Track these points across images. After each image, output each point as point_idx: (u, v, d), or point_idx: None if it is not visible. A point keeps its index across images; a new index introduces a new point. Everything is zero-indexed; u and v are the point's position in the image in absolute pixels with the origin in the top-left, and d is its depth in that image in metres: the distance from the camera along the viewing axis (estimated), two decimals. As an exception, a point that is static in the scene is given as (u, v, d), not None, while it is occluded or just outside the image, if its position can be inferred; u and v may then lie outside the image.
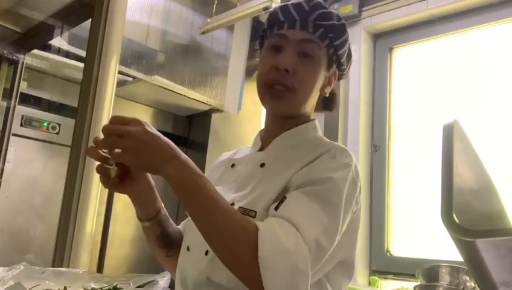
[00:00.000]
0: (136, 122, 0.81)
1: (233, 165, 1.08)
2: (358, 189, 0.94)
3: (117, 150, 0.81)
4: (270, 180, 0.94)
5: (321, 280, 0.93)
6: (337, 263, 0.95)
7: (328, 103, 1.12)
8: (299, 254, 0.78)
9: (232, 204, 0.93)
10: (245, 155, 1.09)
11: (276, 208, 0.86)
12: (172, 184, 0.82)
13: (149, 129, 0.81)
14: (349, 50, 1.08)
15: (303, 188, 0.88)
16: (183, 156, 0.84)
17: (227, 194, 0.97)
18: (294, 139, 1.02)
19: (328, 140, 1.03)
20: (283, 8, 1.02)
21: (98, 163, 0.88)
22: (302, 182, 0.89)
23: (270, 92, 0.99)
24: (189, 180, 0.81)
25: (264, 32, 1.07)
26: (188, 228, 1.05)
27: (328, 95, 1.06)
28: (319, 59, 1.00)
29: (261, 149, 1.07)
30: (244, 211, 0.90)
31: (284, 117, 1.03)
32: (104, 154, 0.87)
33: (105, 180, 0.88)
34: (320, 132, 1.07)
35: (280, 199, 0.88)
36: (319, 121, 1.09)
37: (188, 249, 0.99)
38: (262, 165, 0.99)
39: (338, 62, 1.05)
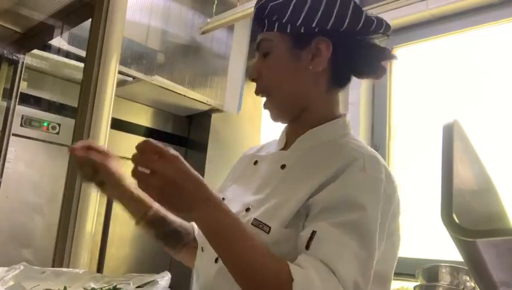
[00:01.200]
0: (170, 158, 0.75)
1: (256, 162, 1.01)
2: (395, 201, 0.88)
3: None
4: (289, 189, 0.86)
5: None
6: (384, 281, 0.90)
7: (356, 68, 0.97)
8: None
9: (248, 209, 0.89)
10: (269, 152, 1.02)
11: (307, 247, 0.78)
12: (199, 226, 0.79)
13: (181, 167, 0.76)
14: (333, 4, 0.91)
15: (333, 219, 0.79)
16: (215, 199, 0.78)
17: (245, 195, 0.94)
18: (319, 139, 0.94)
19: (357, 143, 0.94)
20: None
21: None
22: (329, 206, 0.80)
23: (263, 105, 0.99)
24: (218, 225, 0.76)
25: None
26: None
27: (320, 69, 0.92)
28: (275, 49, 0.93)
29: (285, 147, 0.99)
30: (259, 225, 0.84)
31: (294, 118, 0.97)
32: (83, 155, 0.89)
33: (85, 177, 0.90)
34: (350, 130, 0.99)
35: (295, 216, 0.82)
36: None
37: (202, 249, 0.95)
38: (283, 166, 0.93)
39: (311, 29, 0.91)
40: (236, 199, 0.95)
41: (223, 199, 0.96)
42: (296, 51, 0.92)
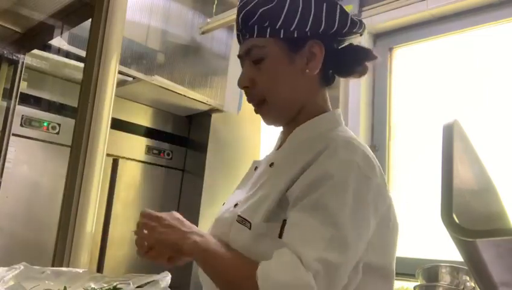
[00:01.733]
0: (153, 218, 0.92)
1: (256, 168, 1.03)
2: (376, 181, 0.85)
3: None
4: (272, 184, 0.89)
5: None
6: (366, 266, 0.84)
7: (340, 69, 1.00)
8: (301, 285, 0.72)
9: (236, 205, 0.92)
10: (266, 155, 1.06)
11: (279, 236, 0.81)
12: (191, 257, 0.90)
13: (165, 223, 0.89)
14: (320, 8, 0.93)
15: (299, 204, 0.81)
16: (195, 236, 0.86)
17: (240, 195, 0.97)
18: (306, 134, 0.95)
19: (341, 133, 0.95)
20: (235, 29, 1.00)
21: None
22: (298, 194, 0.82)
23: (255, 110, 1.00)
24: (199, 254, 0.85)
25: None
26: None
27: (317, 71, 0.94)
28: (271, 55, 0.93)
29: (280, 147, 1.02)
30: (242, 221, 0.87)
31: (290, 120, 0.99)
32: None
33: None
34: (341, 123, 1.00)
35: (277, 210, 0.84)
36: None
37: None
38: (271, 165, 0.95)
39: (304, 34, 0.93)
40: (232, 199, 0.98)
41: (224, 203, 1.02)
42: (291, 55, 0.93)
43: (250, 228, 0.85)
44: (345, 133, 0.94)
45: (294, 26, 0.92)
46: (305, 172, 0.84)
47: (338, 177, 0.81)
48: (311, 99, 0.97)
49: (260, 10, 0.92)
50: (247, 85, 0.96)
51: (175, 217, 0.90)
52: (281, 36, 0.92)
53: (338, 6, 0.94)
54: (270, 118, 0.99)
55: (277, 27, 0.92)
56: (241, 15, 0.95)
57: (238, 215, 0.88)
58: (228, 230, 0.89)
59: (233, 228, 0.88)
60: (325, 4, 0.93)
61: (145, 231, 0.92)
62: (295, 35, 0.92)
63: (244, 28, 0.95)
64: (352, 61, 0.99)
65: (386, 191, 0.88)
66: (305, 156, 0.86)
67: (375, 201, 0.84)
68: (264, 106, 0.96)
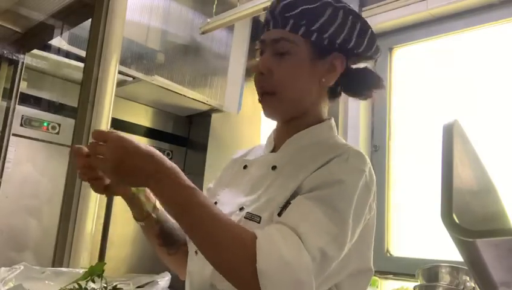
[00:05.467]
0: (112, 139, 0.79)
1: (245, 167, 1.03)
2: (372, 195, 0.90)
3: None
4: (281, 185, 0.90)
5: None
6: (350, 274, 0.90)
7: (350, 88, 1.03)
8: (302, 266, 0.74)
9: (241, 209, 0.91)
10: (258, 156, 1.05)
11: (279, 214, 0.83)
12: (159, 199, 0.82)
13: (125, 145, 0.78)
14: (354, 26, 0.96)
15: (308, 194, 0.83)
16: (167, 169, 0.80)
17: (237, 197, 0.96)
18: (308, 140, 0.97)
19: (343, 142, 0.99)
20: (267, 11, 1.00)
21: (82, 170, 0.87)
22: (310, 187, 0.85)
23: (259, 98, 0.99)
24: (175, 195, 0.79)
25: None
26: None
27: (332, 83, 0.97)
28: (296, 53, 0.94)
29: (274, 150, 1.02)
30: (251, 217, 0.87)
31: (290, 119, 1.00)
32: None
33: (94, 185, 0.89)
34: (336, 133, 1.02)
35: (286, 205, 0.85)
36: None
37: (196, 253, 0.96)
38: (273, 167, 0.95)
39: (333, 45, 0.95)
40: (229, 201, 0.96)
41: (216, 202, 0.98)
42: (315, 60, 0.95)
43: (259, 222, 0.85)
44: (348, 144, 0.97)
45: (327, 34, 0.94)
46: (317, 170, 0.87)
47: (349, 182, 0.85)
48: (316, 107, 1.00)
49: (302, 7, 0.93)
50: (264, 72, 0.95)
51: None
52: (313, 39, 0.94)
53: (370, 30, 0.99)
54: (272, 111, 0.99)
55: (312, 29, 0.93)
56: (282, 3, 0.95)
57: (247, 212, 0.88)
58: None
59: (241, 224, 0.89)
60: (359, 24, 0.97)
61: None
62: (325, 43, 0.94)
63: (280, 17, 0.95)
64: (363, 84, 1.03)
65: (373, 204, 0.93)
66: (316, 161, 0.89)
67: (366, 212, 0.89)
68: (271, 98, 0.96)
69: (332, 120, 1.03)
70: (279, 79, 0.94)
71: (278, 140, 1.02)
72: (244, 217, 0.88)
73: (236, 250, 0.75)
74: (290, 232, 0.77)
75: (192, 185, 0.80)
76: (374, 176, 0.92)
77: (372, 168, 0.92)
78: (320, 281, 0.80)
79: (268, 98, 0.96)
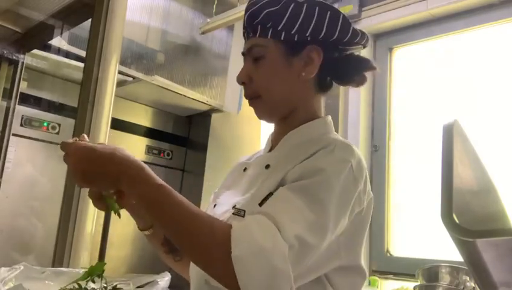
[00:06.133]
0: (71, 151, 0.84)
1: (245, 169, 1.05)
2: (361, 187, 0.88)
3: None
4: (269, 181, 0.91)
5: (321, 280, 0.89)
6: (339, 268, 0.89)
7: (338, 76, 1.03)
8: (277, 252, 0.73)
9: (234, 207, 0.92)
10: (257, 157, 1.07)
11: (260, 205, 0.84)
12: (133, 199, 0.84)
13: (84, 153, 0.82)
14: (323, 16, 0.96)
15: (290, 184, 0.84)
16: (129, 168, 0.80)
17: (234, 197, 0.97)
18: (301, 138, 0.98)
19: (336, 137, 0.97)
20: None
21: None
22: (293, 178, 0.85)
23: (249, 104, 1.02)
24: (142, 192, 0.80)
25: None
26: None
27: (312, 75, 0.97)
28: (269, 55, 0.96)
29: (271, 150, 1.04)
30: (237, 212, 0.89)
31: (282, 118, 1.01)
32: None
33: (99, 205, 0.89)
34: (333, 130, 1.02)
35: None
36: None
37: None
38: (267, 166, 0.97)
39: (304, 38, 0.96)
40: (226, 202, 0.98)
41: (215, 205, 1.01)
42: (289, 57, 0.97)
43: (243, 216, 0.87)
44: (341, 140, 0.96)
45: (295, 29, 0.95)
46: (301, 163, 0.88)
47: (331, 172, 0.84)
48: (305, 103, 1.01)
49: (265, 11, 0.96)
50: (245, 81, 0.99)
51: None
52: (282, 38, 0.95)
53: (341, 16, 0.97)
54: (262, 113, 1.02)
55: (278, 29, 0.95)
56: (247, 13, 0.99)
57: (234, 208, 0.90)
58: None
59: (229, 221, 0.90)
60: (329, 12, 0.96)
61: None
62: (295, 39, 0.96)
63: (249, 27, 0.99)
64: (351, 70, 1.02)
65: (364, 197, 0.91)
66: (301, 156, 0.90)
67: (354, 203, 0.87)
68: (258, 102, 0.99)
69: (329, 117, 1.04)
70: (259, 83, 0.98)
71: (275, 140, 1.04)
72: (232, 213, 0.90)
73: (208, 238, 0.75)
74: (266, 221, 0.76)
75: (159, 181, 0.81)
76: (365, 170, 0.90)
77: (362, 162, 0.90)
78: (302, 270, 0.79)
79: (256, 102, 1.00)
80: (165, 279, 1.20)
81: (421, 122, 2.69)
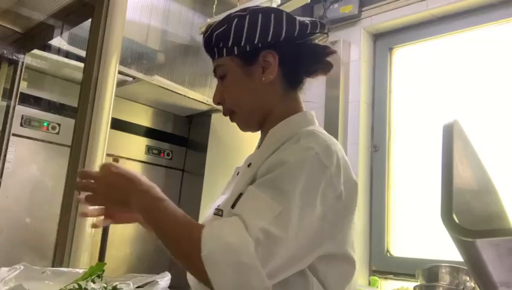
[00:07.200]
0: (103, 168, 0.97)
1: (238, 173, 1.10)
2: (332, 171, 0.87)
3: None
4: (245, 178, 0.97)
5: (305, 272, 0.88)
6: (324, 256, 0.89)
7: (302, 69, 1.07)
8: (242, 248, 0.76)
9: (218, 206, 0.99)
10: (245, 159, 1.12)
11: (232, 206, 0.89)
12: (137, 212, 0.92)
13: (114, 170, 0.96)
14: (267, 20, 1.01)
15: (256, 181, 0.88)
16: (144, 187, 0.92)
17: (223, 198, 1.03)
18: (280, 133, 1.01)
19: (312, 129, 0.98)
20: None
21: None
22: (261, 174, 0.90)
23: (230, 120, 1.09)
24: (147, 205, 0.90)
25: None
26: None
27: (273, 76, 1.01)
28: (229, 72, 1.03)
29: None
30: (217, 212, 0.96)
31: (260, 123, 1.07)
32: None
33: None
34: (314, 123, 1.04)
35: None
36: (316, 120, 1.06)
37: None
38: (249, 165, 1.03)
39: (255, 46, 1.01)
40: (215, 204, 1.05)
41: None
42: (247, 68, 1.02)
43: (221, 215, 0.94)
44: (313, 129, 0.98)
45: (243, 41, 1.01)
46: (266, 160, 0.93)
47: (294, 161, 0.87)
48: (279, 104, 1.05)
49: (215, 34, 1.03)
50: (219, 101, 1.07)
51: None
52: (235, 53, 1.02)
53: (284, 14, 1.03)
54: (241, 126, 1.09)
55: (229, 45, 1.02)
56: (203, 42, 1.07)
57: (215, 208, 0.97)
58: None
59: (210, 221, 0.96)
60: (272, 14, 1.02)
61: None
62: (247, 49, 1.01)
63: (208, 52, 1.08)
64: (310, 60, 1.06)
65: (338, 181, 0.89)
66: (272, 149, 0.95)
67: (325, 189, 0.87)
68: (234, 117, 1.07)
69: (310, 112, 1.07)
70: (229, 100, 1.05)
71: (261, 140, 1.11)
72: (214, 214, 0.97)
73: (185, 240, 0.81)
74: (234, 219, 0.81)
75: (162, 196, 0.90)
76: (336, 155, 0.90)
77: (332, 147, 0.91)
78: (278, 263, 0.79)
79: (233, 117, 1.08)
80: (165, 279, 1.20)
81: (421, 122, 2.69)
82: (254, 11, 1.02)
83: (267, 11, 1.02)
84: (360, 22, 2.93)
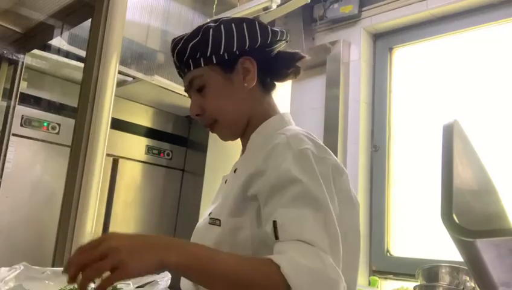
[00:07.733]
0: (108, 236, 0.73)
1: (226, 181, 1.11)
2: (332, 159, 0.94)
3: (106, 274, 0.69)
4: (233, 184, 0.98)
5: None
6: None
7: (273, 74, 1.09)
8: (327, 266, 0.77)
9: (210, 214, 0.99)
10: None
11: (276, 237, 0.82)
12: (181, 271, 0.75)
13: (120, 234, 0.74)
14: (240, 28, 1.03)
15: (281, 200, 0.85)
16: (177, 239, 0.78)
17: (213, 207, 1.04)
18: (261, 137, 1.04)
19: (286, 129, 1.00)
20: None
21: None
22: (273, 189, 0.87)
23: (210, 131, 1.09)
24: (196, 262, 0.74)
25: None
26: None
27: (254, 83, 1.04)
28: (209, 81, 1.03)
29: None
30: (213, 222, 0.95)
31: (243, 131, 1.07)
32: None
33: None
34: (289, 123, 1.06)
35: (241, 205, 0.91)
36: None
37: None
38: (235, 171, 1.05)
39: (233, 54, 1.02)
40: (206, 213, 1.05)
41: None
42: (228, 75, 1.03)
43: (220, 225, 0.93)
44: (290, 129, 1.01)
45: (222, 49, 1.02)
46: (266, 170, 0.91)
47: (303, 167, 0.88)
48: (257, 108, 1.07)
49: (190, 45, 1.02)
50: (198, 113, 1.06)
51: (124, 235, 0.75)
52: (214, 62, 1.02)
53: (256, 23, 1.05)
54: (224, 135, 1.09)
55: (208, 55, 1.02)
56: (175, 55, 1.06)
57: (209, 217, 0.97)
58: (203, 235, 0.97)
59: (205, 230, 0.97)
60: (244, 24, 1.04)
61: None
62: (226, 58, 1.02)
63: (181, 64, 1.06)
64: (284, 66, 1.09)
65: (341, 167, 0.97)
66: (258, 155, 0.95)
67: (334, 177, 0.93)
68: (217, 126, 1.06)
69: (285, 113, 1.09)
70: (211, 110, 1.04)
71: (244, 146, 1.11)
72: (208, 223, 0.96)
73: (265, 285, 0.75)
74: (300, 245, 0.79)
75: (206, 247, 0.79)
76: (321, 145, 0.96)
77: (317, 142, 0.95)
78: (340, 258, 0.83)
79: (215, 127, 1.07)
80: (165, 279, 1.19)
81: (421, 122, 2.69)
82: (227, 21, 1.04)
83: (239, 21, 1.05)
84: (360, 22, 2.93)
